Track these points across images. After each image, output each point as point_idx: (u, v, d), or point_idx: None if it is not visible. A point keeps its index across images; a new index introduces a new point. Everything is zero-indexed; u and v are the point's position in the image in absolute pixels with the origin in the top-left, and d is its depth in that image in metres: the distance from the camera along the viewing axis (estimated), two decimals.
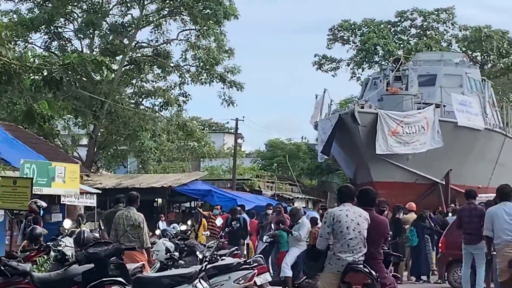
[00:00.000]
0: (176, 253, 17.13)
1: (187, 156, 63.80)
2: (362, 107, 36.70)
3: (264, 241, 24.30)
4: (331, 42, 74.96)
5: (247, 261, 17.37)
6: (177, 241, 21.23)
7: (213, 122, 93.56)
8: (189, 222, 31.51)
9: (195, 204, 45.05)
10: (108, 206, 37.65)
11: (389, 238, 14.97)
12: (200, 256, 16.70)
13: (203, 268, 13.60)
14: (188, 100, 54.68)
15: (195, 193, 42.92)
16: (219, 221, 26.49)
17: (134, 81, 54.15)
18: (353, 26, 73.88)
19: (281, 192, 55.51)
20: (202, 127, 71.71)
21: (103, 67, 22.86)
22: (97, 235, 21.98)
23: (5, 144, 29.49)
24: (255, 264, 16.75)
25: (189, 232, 29.03)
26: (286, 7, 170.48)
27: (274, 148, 75.97)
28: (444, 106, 39.35)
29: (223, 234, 23.99)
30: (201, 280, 13.38)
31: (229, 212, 28.83)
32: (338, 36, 74.97)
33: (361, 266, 12.00)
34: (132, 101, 53.42)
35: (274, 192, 53.10)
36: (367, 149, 36.19)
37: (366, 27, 72.74)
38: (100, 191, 36.42)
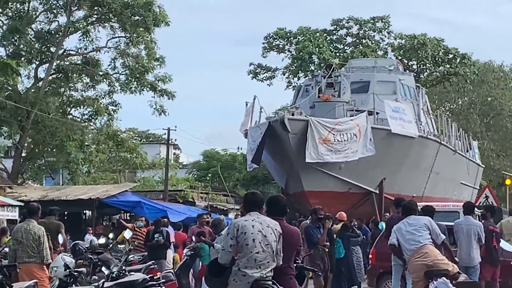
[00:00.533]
0: (83, 269, 15.81)
1: (119, 167, 62.80)
2: (293, 114, 35.40)
3: (184, 254, 23.05)
4: (266, 50, 73.56)
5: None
6: (89, 256, 19.97)
7: (150, 133, 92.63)
8: (110, 235, 30.14)
9: (125, 216, 44.16)
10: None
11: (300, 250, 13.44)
12: (106, 272, 15.35)
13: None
14: (118, 109, 52.95)
15: (124, 204, 41.80)
16: (127, 234, 24.87)
17: (62, 90, 52.08)
18: (288, 34, 72.49)
19: (215, 203, 54.68)
20: (138, 138, 69.75)
21: (9, 70, 21.98)
22: None
23: None
24: (163, 280, 15.37)
25: (111, 245, 27.62)
26: (224, 18, 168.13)
27: (209, 158, 74.89)
28: (377, 113, 38.15)
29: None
30: None
31: (153, 224, 27.44)
32: (273, 44, 73.70)
33: (270, 283, 10.39)
34: (60, 110, 51.76)
35: (207, 203, 51.96)
36: (297, 158, 34.80)
37: (301, 35, 71.40)
38: (22, 204, 34.67)
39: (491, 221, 21.08)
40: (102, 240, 28.15)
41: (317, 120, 35.00)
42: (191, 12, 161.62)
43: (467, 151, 53.48)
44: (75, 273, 14.21)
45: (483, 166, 61.86)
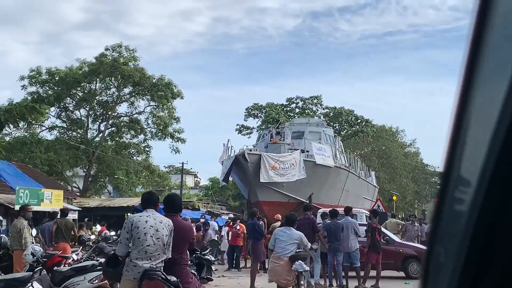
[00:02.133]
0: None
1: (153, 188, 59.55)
2: (251, 150, 31.90)
3: None
4: (246, 116, 70.88)
5: None
6: (90, 244, 16.49)
7: (177, 167, 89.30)
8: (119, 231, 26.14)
9: None
10: (94, 220, 36.38)
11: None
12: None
13: (35, 272, 8.55)
14: (150, 150, 49.68)
15: None
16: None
17: (116, 139, 48.70)
18: (260, 107, 69.82)
19: (212, 209, 51.12)
20: (167, 169, 66.14)
21: (35, 112, 18.79)
22: None
23: (13, 176, 26.80)
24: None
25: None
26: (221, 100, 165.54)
27: (213, 182, 71.40)
28: (307, 151, 34.79)
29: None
30: (34, 284, 8.41)
31: None
32: (251, 113, 70.74)
33: (158, 273, 6.99)
34: (115, 151, 48.62)
35: (207, 209, 48.33)
36: (254, 179, 31.28)
37: (268, 107, 68.62)
38: (80, 209, 32.88)
39: (375, 220, 17.40)
40: (112, 233, 24.28)
41: (267, 154, 31.58)
42: (206, 97, 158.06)
43: (368, 177, 50.21)
44: (42, 260, 10.09)
45: (378, 187, 58.45)
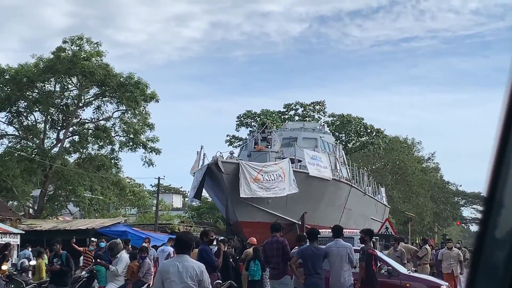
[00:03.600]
0: None
1: (126, 207, 56.37)
2: (228, 158, 28.52)
3: (81, 276, 15.60)
4: (239, 126, 67.27)
5: None
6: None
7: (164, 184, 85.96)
8: None
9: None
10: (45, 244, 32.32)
11: None
12: None
13: None
14: (118, 162, 46.21)
15: (113, 233, 34.87)
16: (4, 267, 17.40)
17: (80, 150, 45.24)
18: (254, 114, 66.37)
19: (196, 232, 47.61)
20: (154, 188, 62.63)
21: None
22: None
23: None
24: None
25: None
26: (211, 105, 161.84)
27: (203, 202, 68.09)
28: (300, 161, 31.31)
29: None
30: None
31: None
32: (244, 122, 67.31)
33: None
34: (77, 164, 45.33)
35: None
36: (231, 194, 27.72)
37: (263, 115, 65.03)
38: (23, 232, 30.80)
39: (370, 244, 13.95)
40: (33, 262, 20.88)
41: (246, 163, 28.10)
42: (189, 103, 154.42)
43: (377, 195, 46.75)
44: None
45: (390, 206, 54.84)
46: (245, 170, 27.34)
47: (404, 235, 60.36)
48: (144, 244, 18.32)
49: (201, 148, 29.64)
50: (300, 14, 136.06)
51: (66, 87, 43.41)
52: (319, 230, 15.08)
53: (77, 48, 41.74)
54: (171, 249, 20.83)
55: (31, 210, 44.72)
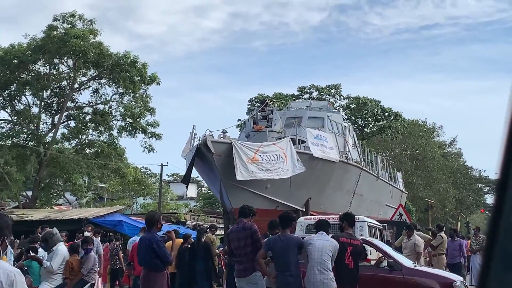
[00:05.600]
0: None
1: (130, 195, 53.80)
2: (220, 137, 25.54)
3: None
4: (250, 110, 64.33)
5: None
6: None
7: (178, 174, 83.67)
8: None
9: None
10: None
11: None
12: None
13: None
14: (117, 147, 43.38)
15: (108, 223, 32.71)
16: None
17: (80, 136, 42.59)
18: (270, 99, 63.37)
19: (202, 222, 45.04)
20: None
21: None
22: None
23: None
24: None
25: None
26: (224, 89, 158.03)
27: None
28: (303, 141, 28.25)
29: None
30: None
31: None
32: (255, 105, 64.33)
33: None
34: (74, 150, 42.72)
35: (195, 222, 42.21)
36: (223, 178, 24.77)
37: (275, 99, 62.03)
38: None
39: (350, 232, 10.89)
40: None
41: (240, 143, 25.09)
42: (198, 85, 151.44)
43: (393, 180, 43.56)
44: None
45: (406, 192, 51.59)
46: (240, 150, 24.36)
47: (424, 223, 57.51)
48: (87, 233, 15.04)
49: (193, 128, 26.70)
50: (319, 3, 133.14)
51: (57, 68, 40.61)
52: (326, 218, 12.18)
53: (69, 26, 39.02)
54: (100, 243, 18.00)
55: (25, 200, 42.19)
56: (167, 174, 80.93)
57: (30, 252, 12.29)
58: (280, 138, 27.49)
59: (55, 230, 12.08)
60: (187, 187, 27.21)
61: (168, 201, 56.80)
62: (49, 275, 11.46)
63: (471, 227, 47.66)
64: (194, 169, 28.24)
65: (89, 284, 12.18)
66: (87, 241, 12.82)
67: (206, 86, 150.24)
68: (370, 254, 15.82)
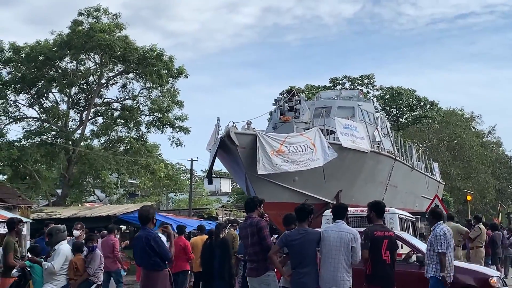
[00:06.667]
0: None
1: (162, 191, 53.11)
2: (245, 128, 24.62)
3: (12, 275, 11.89)
4: (276, 101, 63.25)
5: None
6: None
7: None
8: None
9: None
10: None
11: None
12: None
13: None
14: (146, 143, 42.76)
15: (136, 219, 31.60)
16: None
17: (109, 132, 42.08)
18: (298, 90, 62.27)
19: (234, 217, 44.30)
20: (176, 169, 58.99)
21: None
22: None
23: None
24: None
25: None
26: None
27: None
28: (333, 132, 27.22)
29: None
30: None
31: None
32: (283, 96, 63.37)
33: None
34: (103, 146, 42.30)
35: (226, 218, 41.49)
36: (248, 171, 23.83)
37: (307, 91, 60.85)
38: (31, 220, 27.42)
39: (381, 223, 9.84)
40: None
41: (265, 134, 24.07)
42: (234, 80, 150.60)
43: (429, 171, 42.14)
44: None
45: (444, 183, 50.07)
46: (264, 142, 23.40)
47: (464, 215, 55.81)
48: (75, 231, 13.54)
49: (217, 120, 25.74)
50: None
51: (83, 63, 40.12)
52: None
53: (94, 20, 38.50)
54: (161, 236, 17.24)
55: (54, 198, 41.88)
56: (201, 170, 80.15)
57: (29, 253, 11.52)
58: (308, 129, 26.46)
59: (63, 227, 11.26)
60: (210, 182, 26.23)
61: (202, 196, 56.08)
62: (52, 276, 10.66)
63: None
64: (220, 163, 27.50)
65: (95, 285, 11.39)
66: (91, 239, 12.02)
67: (240, 82, 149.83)
68: (402, 248, 14.81)
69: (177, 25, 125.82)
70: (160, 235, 17.42)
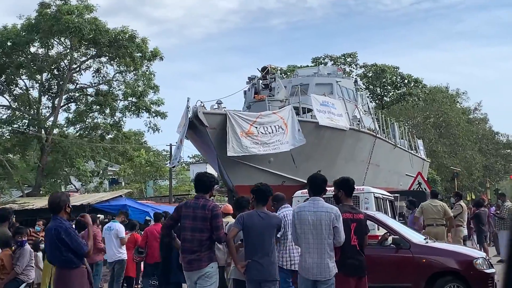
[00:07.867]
0: None
1: (144, 178, 51.69)
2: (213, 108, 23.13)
3: None
4: (250, 79, 61.85)
5: None
6: None
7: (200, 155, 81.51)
8: None
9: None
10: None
11: None
12: None
13: None
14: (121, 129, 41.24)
15: (112, 208, 30.17)
16: None
17: (85, 119, 40.46)
18: (272, 67, 60.72)
19: (219, 202, 42.86)
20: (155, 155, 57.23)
21: None
22: None
23: None
24: None
25: None
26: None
27: None
28: (310, 110, 25.80)
29: None
30: None
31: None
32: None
33: None
34: (77, 134, 40.75)
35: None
36: (220, 153, 22.43)
37: (289, 71, 59.40)
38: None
39: (351, 203, 8.33)
40: None
41: (236, 113, 22.62)
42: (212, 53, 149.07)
43: (414, 149, 40.78)
44: None
45: (429, 160, 48.79)
46: (234, 122, 21.98)
47: (451, 193, 54.66)
48: (37, 227, 11.87)
49: (187, 101, 24.23)
50: None
51: (52, 47, 38.37)
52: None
53: (62, 2, 36.77)
54: (119, 226, 15.85)
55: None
56: (188, 156, 78.65)
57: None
58: (284, 107, 25.03)
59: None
60: (173, 167, 24.74)
61: (185, 183, 54.61)
62: None
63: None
64: (194, 146, 26.11)
65: (25, 284, 9.95)
66: (20, 232, 10.52)
67: (226, 67, 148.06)
68: (378, 230, 13.48)
69: (161, 12, 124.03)
70: (118, 224, 16.10)
